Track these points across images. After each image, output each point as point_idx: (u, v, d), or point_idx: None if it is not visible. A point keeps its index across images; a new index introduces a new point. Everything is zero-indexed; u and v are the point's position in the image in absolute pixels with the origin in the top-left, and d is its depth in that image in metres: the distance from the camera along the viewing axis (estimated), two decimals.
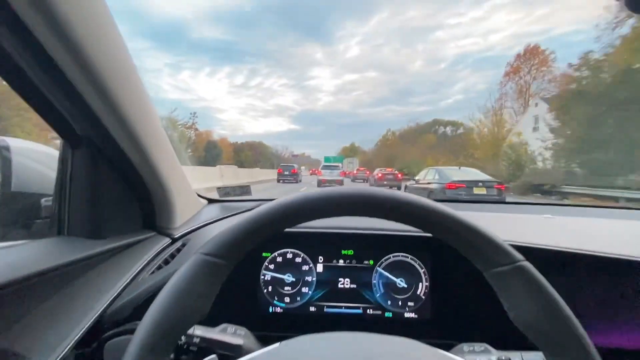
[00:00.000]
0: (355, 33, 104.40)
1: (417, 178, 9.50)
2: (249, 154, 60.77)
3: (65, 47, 0.44)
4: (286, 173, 20.18)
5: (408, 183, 10.20)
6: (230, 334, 0.55)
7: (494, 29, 70.25)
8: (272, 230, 0.38)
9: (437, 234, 0.37)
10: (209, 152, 45.11)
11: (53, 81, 0.50)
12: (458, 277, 0.72)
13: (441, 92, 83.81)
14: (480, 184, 7.48)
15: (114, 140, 0.60)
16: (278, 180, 19.85)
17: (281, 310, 0.75)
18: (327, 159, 46.13)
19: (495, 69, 64.68)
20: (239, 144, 64.50)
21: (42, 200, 0.70)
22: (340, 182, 17.40)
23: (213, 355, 0.44)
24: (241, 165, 40.84)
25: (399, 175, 16.66)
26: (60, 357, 0.50)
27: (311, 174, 38.00)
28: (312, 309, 0.75)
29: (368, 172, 24.08)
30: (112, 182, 0.70)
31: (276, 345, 0.41)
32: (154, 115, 0.67)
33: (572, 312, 0.33)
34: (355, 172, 27.81)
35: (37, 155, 0.77)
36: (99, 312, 0.58)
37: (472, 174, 8.59)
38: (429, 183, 8.34)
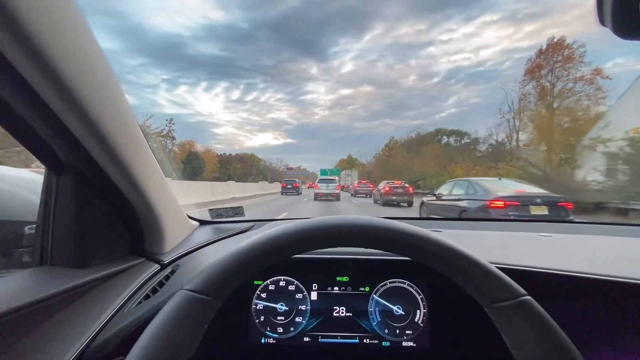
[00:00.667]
0: (349, 49, 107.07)
1: (438, 192, 7.63)
2: (238, 166, 57.42)
3: (45, 74, 0.42)
4: (289, 187, 24.35)
5: (425, 198, 8.33)
6: None
7: (485, 45, 72.44)
8: (264, 264, 0.37)
9: (434, 266, 0.36)
10: (189, 165, 41.90)
11: (34, 109, 0.48)
12: (457, 304, 0.70)
13: (435, 105, 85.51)
14: (540, 200, 5.46)
15: (100, 167, 0.59)
16: (282, 193, 23.99)
17: (274, 341, 0.72)
18: (323, 172, 44.63)
19: (487, 83, 66.44)
20: (226, 155, 59.90)
21: (26, 228, 0.68)
22: (337, 196, 17.33)
23: None
24: (228, 179, 39.19)
25: (410, 189, 14.62)
26: None
27: (308, 188, 39.60)
28: (306, 339, 0.72)
29: (371, 185, 22.62)
30: (98, 208, 0.68)
31: None
32: (140, 138, 0.66)
33: (577, 350, 0.31)
34: (356, 184, 25.80)
35: (22, 182, 0.75)
36: (82, 346, 0.55)
37: (522, 186, 6.54)
38: (458, 199, 6.54)
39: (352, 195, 22.88)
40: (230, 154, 62.35)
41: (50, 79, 0.43)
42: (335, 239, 0.37)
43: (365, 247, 0.38)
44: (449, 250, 0.35)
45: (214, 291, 0.35)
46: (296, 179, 26.95)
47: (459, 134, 44.85)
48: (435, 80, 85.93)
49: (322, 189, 17.61)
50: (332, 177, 20.17)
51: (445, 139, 46.92)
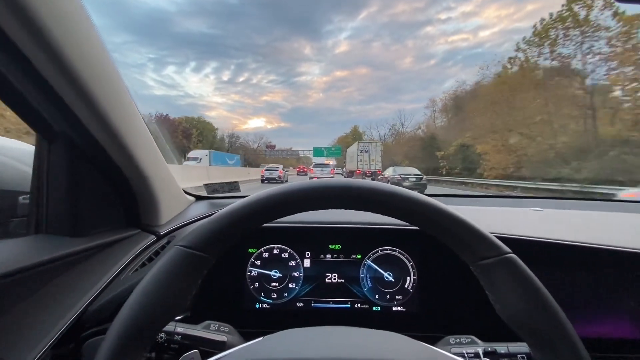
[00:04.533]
0: (344, 28, 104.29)
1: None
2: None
3: (37, 40, 0.42)
4: (272, 177, 19.04)
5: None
6: (214, 331, 0.54)
7: (484, 25, 70.92)
8: (256, 222, 0.37)
9: (423, 227, 0.37)
10: None
11: (25, 76, 0.48)
12: (446, 271, 0.72)
13: (431, 89, 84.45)
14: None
15: (92, 135, 0.58)
16: (262, 181, 18.58)
17: (268, 307, 0.74)
18: (317, 152, 35.60)
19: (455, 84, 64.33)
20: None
21: (20, 198, 0.68)
22: None
23: (195, 350, 0.43)
24: None
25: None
26: (37, 357, 0.48)
27: (298, 173, 31.39)
28: (299, 304, 0.74)
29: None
30: (92, 178, 0.68)
31: (259, 339, 0.40)
32: (134, 110, 0.65)
33: (558, 305, 0.32)
34: (397, 176, 13.35)
35: (14, 153, 0.74)
36: (79, 311, 0.57)
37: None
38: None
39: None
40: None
41: (39, 42, 0.43)
42: (330, 200, 0.37)
43: (358, 209, 0.38)
44: (436, 210, 0.36)
45: (208, 248, 0.35)
46: (279, 166, 21.15)
47: None
48: (432, 62, 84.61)
49: (317, 173, 17.89)
50: (327, 162, 19.92)
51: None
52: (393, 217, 0.37)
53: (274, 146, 54.43)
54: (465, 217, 0.36)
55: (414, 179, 13.39)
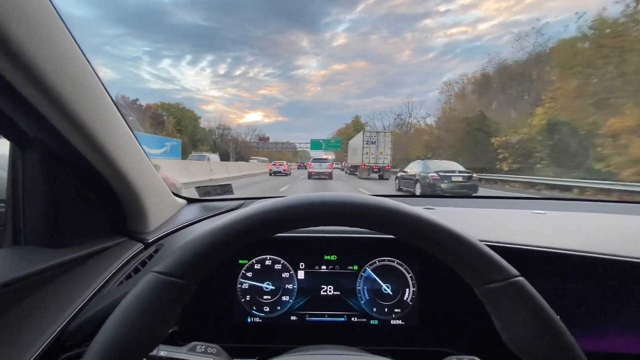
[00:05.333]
0: (341, 20, 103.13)
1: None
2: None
3: None
4: (279, 170, 22.60)
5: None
6: (200, 353, 0.50)
7: (483, 18, 70.35)
8: (241, 244, 0.34)
9: (423, 245, 0.34)
10: None
11: None
12: (446, 283, 0.69)
13: (429, 83, 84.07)
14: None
15: (66, 140, 0.54)
16: (270, 174, 22.13)
17: (260, 320, 0.71)
18: (314, 145, 33.68)
19: (483, 60, 64.20)
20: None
21: None
22: (329, 175, 17.55)
23: None
24: None
25: None
26: None
27: (299, 167, 33.64)
28: (293, 318, 0.71)
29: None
30: (72, 185, 0.64)
31: None
32: (112, 111, 0.61)
33: (569, 333, 0.30)
34: (410, 170, 10.73)
35: None
36: (58, 330, 0.53)
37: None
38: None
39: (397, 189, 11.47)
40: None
41: (6, 51, 0.38)
42: (319, 218, 0.34)
43: (351, 227, 0.35)
44: (438, 229, 0.33)
45: (186, 273, 0.32)
46: (284, 162, 24.54)
47: None
48: (431, 55, 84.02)
49: (315, 167, 17.99)
50: (326, 156, 20.04)
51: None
52: (387, 234, 0.34)
53: (268, 138, 50.06)
54: (468, 234, 0.33)
55: (460, 178, 9.25)
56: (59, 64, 0.47)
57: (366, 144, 20.37)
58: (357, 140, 23.26)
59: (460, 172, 9.62)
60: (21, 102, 0.46)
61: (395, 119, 47.55)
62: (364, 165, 19.79)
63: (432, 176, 9.26)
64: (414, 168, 10.63)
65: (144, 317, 0.31)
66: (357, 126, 52.85)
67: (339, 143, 35.98)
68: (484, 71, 29.57)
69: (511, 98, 23.52)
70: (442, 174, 9.29)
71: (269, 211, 0.34)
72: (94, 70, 0.55)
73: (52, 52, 0.45)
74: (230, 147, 40.05)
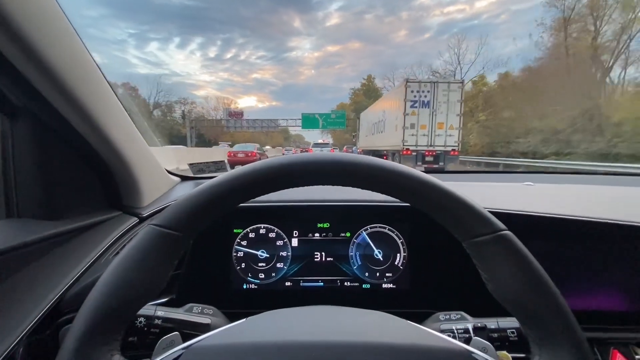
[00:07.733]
0: None
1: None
2: None
3: None
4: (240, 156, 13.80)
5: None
6: (196, 314, 0.52)
7: None
8: (236, 200, 0.34)
9: (413, 203, 0.35)
10: None
11: None
12: (436, 247, 0.71)
13: (426, 64, 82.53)
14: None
15: (56, 110, 0.54)
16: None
17: (255, 287, 0.73)
18: (306, 120, 25.32)
19: (480, 40, 63.16)
20: None
21: None
22: None
23: (175, 333, 0.41)
24: None
25: None
26: (13, 344, 0.46)
27: (284, 154, 28.80)
28: (287, 284, 0.73)
29: None
30: (65, 158, 0.64)
31: (242, 320, 0.38)
32: (103, 84, 0.61)
33: (553, 284, 0.31)
34: None
35: None
36: (57, 297, 0.54)
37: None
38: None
39: None
40: None
41: None
42: (314, 176, 0.34)
43: (345, 185, 0.35)
44: (427, 185, 0.33)
45: (183, 226, 0.33)
46: (256, 144, 16.03)
47: None
48: (427, 35, 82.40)
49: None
50: (326, 142, 18.95)
51: None
52: (380, 192, 0.35)
53: (241, 114, 31.80)
54: (458, 191, 0.34)
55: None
56: (49, 34, 0.46)
57: (412, 106, 10.51)
58: (385, 106, 13.45)
59: None
60: (8, 70, 0.46)
61: (434, 72, 30.16)
62: (407, 151, 10.59)
63: None
64: None
65: (141, 268, 0.31)
66: (370, 90, 37.74)
67: (343, 118, 26.21)
68: None
69: None
70: None
71: (266, 168, 0.34)
72: (83, 43, 0.54)
73: (41, 22, 0.44)
74: (187, 126, 28.78)
